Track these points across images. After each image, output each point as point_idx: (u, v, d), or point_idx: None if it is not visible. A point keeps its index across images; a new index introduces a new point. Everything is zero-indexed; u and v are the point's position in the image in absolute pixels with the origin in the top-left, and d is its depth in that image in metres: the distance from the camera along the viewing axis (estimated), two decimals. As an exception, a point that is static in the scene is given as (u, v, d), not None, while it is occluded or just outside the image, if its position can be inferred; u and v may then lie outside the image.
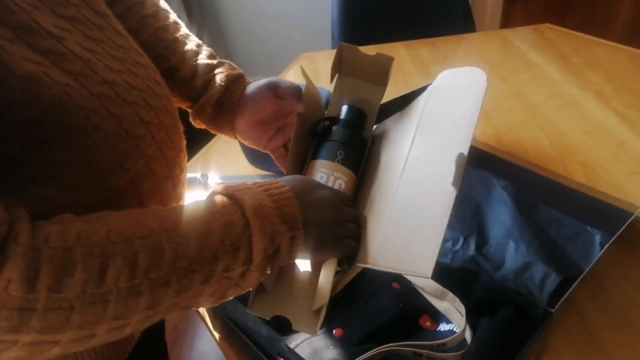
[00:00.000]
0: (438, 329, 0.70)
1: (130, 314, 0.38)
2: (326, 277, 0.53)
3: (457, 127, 0.50)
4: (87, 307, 0.35)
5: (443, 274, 0.71)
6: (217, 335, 0.75)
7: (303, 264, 0.56)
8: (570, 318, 0.69)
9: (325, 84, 0.76)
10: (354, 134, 0.63)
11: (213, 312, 0.72)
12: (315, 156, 0.61)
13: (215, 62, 0.68)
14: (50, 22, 0.41)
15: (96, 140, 0.41)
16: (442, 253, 0.71)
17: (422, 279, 0.73)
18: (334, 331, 0.68)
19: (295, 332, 0.69)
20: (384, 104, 0.68)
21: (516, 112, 1.13)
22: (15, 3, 0.38)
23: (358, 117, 0.64)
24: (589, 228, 0.71)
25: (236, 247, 0.42)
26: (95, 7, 0.48)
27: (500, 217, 0.73)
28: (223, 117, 0.67)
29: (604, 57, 1.31)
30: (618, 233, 0.69)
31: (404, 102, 0.65)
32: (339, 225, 0.51)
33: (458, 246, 0.71)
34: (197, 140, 0.57)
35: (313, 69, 1.44)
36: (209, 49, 0.71)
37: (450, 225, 0.72)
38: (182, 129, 0.56)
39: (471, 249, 0.70)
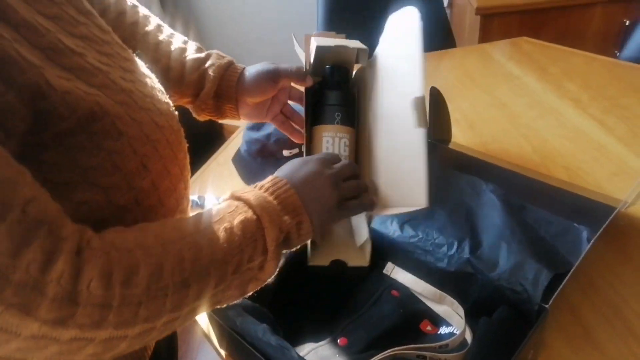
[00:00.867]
0: (439, 332, 0.72)
1: (183, 305, 0.42)
2: (358, 217, 0.63)
3: (409, 72, 0.58)
4: (151, 301, 0.40)
5: (440, 278, 0.74)
6: (223, 352, 0.77)
7: None
8: (564, 314, 0.72)
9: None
10: (344, 92, 0.67)
11: (219, 329, 0.73)
12: (316, 122, 0.66)
13: (203, 55, 0.71)
14: (71, 41, 0.44)
15: (122, 144, 0.45)
16: (438, 258, 0.74)
17: (421, 285, 0.75)
18: (338, 340, 0.70)
19: (302, 342, 0.71)
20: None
21: (499, 122, 1.18)
22: (43, 26, 0.42)
23: (344, 75, 0.69)
24: (575, 225, 0.75)
25: (254, 239, 0.47)
26: (100, 24, 0.52)
27: (492, 219, 0.76)
28: (225, 104, 0.71)
29: (579, 67, 1.37)
30: (603, 227, 0.72)
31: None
32: (336, 189, 0.54)
33: (453, 250, 0.73)
34: (191, 164, 0.60)
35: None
36: (195, 43, 0.73)
37: (444, 231, 0.76)
38: (183, 132, 0.59)
39: (466, 252, 0.72)
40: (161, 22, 0.73)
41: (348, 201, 0.56)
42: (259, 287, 0.50)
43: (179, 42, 0.71)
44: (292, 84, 0.72)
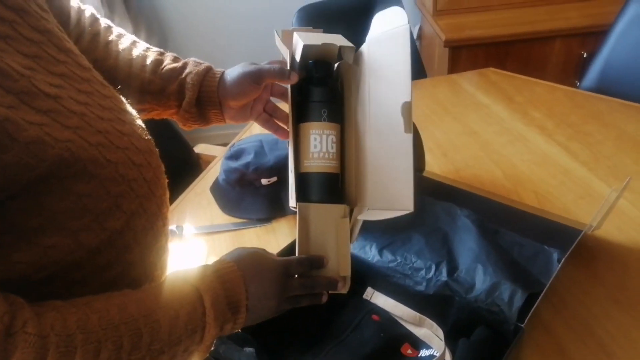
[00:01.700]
0: (419, 355, 0.73)
1: None
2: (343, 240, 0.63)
3: (397, 74, 0.60)
4: None
5: (419, 301, 0.76)
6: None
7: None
8: (539, 333, 0.74)
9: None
10: (329, 87, 0.67)
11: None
12: (302, 119, 0.65)
13: (179, 64, 0.70)
14: (47, 82, 0.44)
15: (94, 186, 0.45)
16: (416, 281, 0.76)
17: (401, 309, 0.77)
18: (321, 366, 0.71)
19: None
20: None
21: (471, 149, 1.22)
22: (16, 71, 0.41)
23: (327, 70, 0.68)
24: (546, 247, 0.78)
25: (194, 331, 0.49)
26: (81, 62, 0.52)
27: (467, 243, 0.79)
28: (209, 111, 0.70)
29: (543, 96, 1.44)
30: (571, 249, 0.76)
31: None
32: (283, 291, 0.57)
33: (431, 274, 0.75)
34: (170, 197, 0.60)
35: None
36: (171, 53, 0.73)
37: (422, 255, 0.78)
38: (163, 168, 0.59)
39: (443, 275, 0.74)
40: (136, 39, 0.72)
41: (290, 299, 0.58)
42: None
43: (154, 54, 0.71)
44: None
